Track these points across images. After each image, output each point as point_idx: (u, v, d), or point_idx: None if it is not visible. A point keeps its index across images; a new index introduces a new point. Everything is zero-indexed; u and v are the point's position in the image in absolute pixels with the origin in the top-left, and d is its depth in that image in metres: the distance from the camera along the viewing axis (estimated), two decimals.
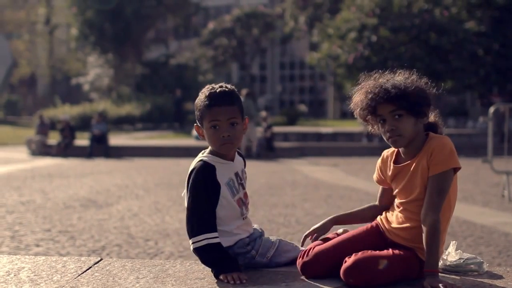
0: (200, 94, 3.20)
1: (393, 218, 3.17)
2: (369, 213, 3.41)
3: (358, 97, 3.15)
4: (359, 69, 27.76)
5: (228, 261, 3.06)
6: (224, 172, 3.17)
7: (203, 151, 3.27)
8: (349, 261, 2.95)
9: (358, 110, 3.15)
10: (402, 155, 3.17)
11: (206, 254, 3.07)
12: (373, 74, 3.20)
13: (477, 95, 33.88)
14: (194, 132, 25.64)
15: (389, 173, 3.22)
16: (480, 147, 16.39)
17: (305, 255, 3.16)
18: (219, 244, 3.07)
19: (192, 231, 3.09)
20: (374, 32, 27.41)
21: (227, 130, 3.11)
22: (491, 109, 10.59)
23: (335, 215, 3.46)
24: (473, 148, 18.61)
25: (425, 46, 26.78)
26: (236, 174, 3.25)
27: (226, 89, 3.18)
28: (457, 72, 27.18)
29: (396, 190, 3.19)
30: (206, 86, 3.22)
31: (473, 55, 27.40)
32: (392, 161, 3.22)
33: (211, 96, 3.12)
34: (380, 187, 3.40)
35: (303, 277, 3.10)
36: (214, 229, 3.08)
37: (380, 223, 3.25)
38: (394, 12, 27.44)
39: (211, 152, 3.23)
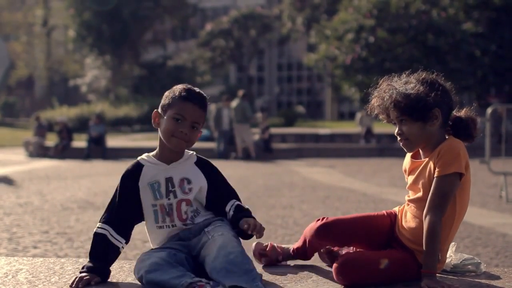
0: (175, 87, 3.17)
1: (404, 214, 3.20)
2: None
3: (373, 102, 3.20)
4: (357, 70, 27.90)
5: (97, 261, 3.08)
6: (151, 173, 3.12)
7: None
8: (340, 259, 2.97)
9: (376, 113, 3.20)
10: (421, 153, 3.17)
11: (92, 243, 3.13)
12: (389, 76, 3.21)
13: (475, 96, 33.86)
14: None
15: (407, 166, 3.23)
16: (478, 148, 16.36)
17: (321, 220, 3.18)
18: (103, 236, 3.09)
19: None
20: (372, 33, 27.45)
21: (187, 128, 3.05)
22: (489, 110, 10.60)
23: None
24: (471, 149, 18.36)
25: (422, 47, 26.84)
26: (169, 179, 3.12)
27: (204, 95, 3.16)
28: (455, 73, 27.18)
29: (407, 185, 3.20)
30: (182, 84, 3.20)
31: (470, 56, 27.45)
32: (411, 155, 3.23)
33: (190, 92, 3.10)
34: None
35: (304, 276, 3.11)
36: (109, 224, 3.11)
37: (397, 213, 3.26)
38: (392, 13, 27.48)
39: (153, 153, 3.20)
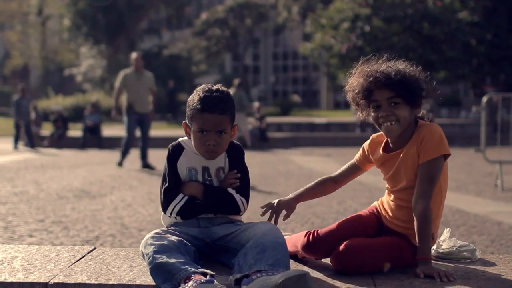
0: (194, 92, 3.10)
1: (387, 205, 3.18)
2: (326, 188, 3.41)
3: (355, 80, 3.10)
4: (352, 59, 27.56)
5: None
6: (190, 158, 3.19)
7: None
8: (338, 248, 2.97)
9: (352, 93, 3.11)
10: (391, 144, 3.14)
11: (188, 211, 3.18)
12: (373, 59, 3.15)
13: (470, 85, 33.91)
14: None
15: (378, 158, 3.21)
16: (473, 137, 16.42)
17: (310, 236, 3.14)
18: (190, 200, 3.17)
19: (162, 207, 3.31)
20: (367, 22, 27.39)
21: (213, 138, 3.05)
22: (484, 99, 10.60)
23: (295, 193, 3.42)
24: (466, 137, 18.65)
25: (418, 36, 26.79)
26: (206, 169, 3.19)
27: (222, 95, 3.05)
28: (450, 62, 27.20)
29: (385, 177, 3.18)
30: (202, 86, 3.12)
31: (466, 45, 27.41)
32: (381, 149, 3.19)
33: (205, 101, 3.02)
34: (349, 163, 3.37)
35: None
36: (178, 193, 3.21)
37: (379, 208, 3.26)
38: (387, 2, 27.41)
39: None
